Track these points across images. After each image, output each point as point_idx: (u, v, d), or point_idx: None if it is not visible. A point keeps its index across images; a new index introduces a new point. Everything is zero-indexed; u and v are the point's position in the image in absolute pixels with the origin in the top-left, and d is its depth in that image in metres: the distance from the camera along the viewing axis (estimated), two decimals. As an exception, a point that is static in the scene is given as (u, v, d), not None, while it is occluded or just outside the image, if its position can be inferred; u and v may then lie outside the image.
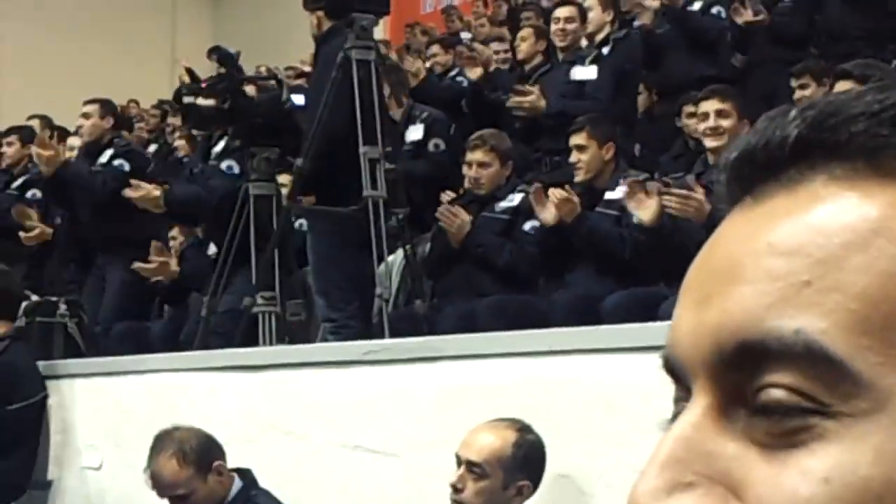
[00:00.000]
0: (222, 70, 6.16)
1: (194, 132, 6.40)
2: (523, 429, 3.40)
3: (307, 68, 9.20)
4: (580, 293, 5.22)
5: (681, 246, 4.73)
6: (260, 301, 5.72)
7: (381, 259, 5.30)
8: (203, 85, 6.20)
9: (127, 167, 7.11)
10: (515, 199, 5.74)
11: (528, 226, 5.62)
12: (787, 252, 0.53)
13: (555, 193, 5.31)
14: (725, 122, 5.18)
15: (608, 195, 5.47)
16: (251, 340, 5.69)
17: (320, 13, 5.65)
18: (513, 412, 3.50)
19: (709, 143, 5.28)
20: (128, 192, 6.43)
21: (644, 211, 4.95)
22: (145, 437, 4.07)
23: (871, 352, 0.50)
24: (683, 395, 0.56)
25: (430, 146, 7.13)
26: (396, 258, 5.83)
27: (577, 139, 5.61)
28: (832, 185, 0.54)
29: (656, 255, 4.98)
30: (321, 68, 5.67)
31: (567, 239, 5.34)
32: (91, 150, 7.40)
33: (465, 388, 3.97)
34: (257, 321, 5.73)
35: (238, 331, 5.75)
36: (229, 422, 4.58)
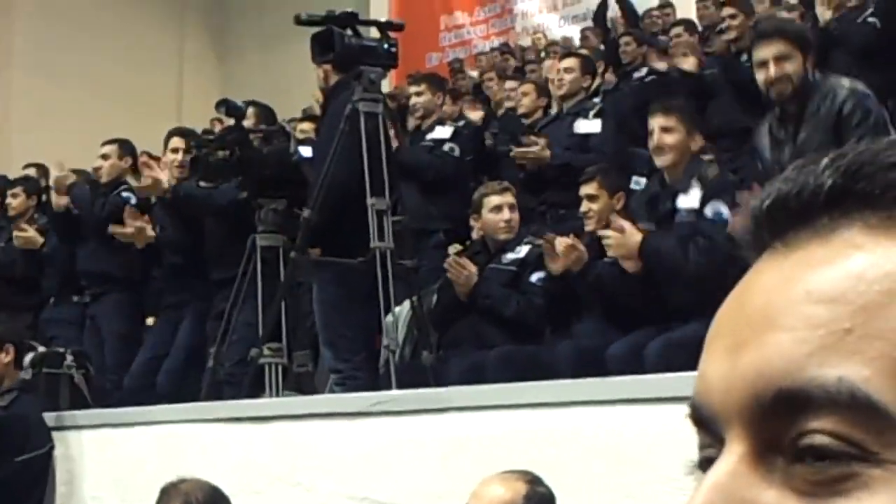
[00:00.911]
0: (230, 122, 6.20)
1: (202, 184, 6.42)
2: (533, 481, 3.39)
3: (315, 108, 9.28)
4: (585, 344, 5.21)
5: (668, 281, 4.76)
6: (266, 352, 5.72)
7: (388, 310, 5.31)
8: (212, 137, 6.24)
9: (133, 200, 7.15)
10: (522, 250, 5.76)
11: (534, 277, 5.64)
12: (826, 299, 0.53)
13: (562, 242, 5.32)
14: (669, 139, 5.09)
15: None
16: (258, 391, 5.69)
17: (328, 67, 5.68)
18: (521, 464, 3.49)
19: (657, 161, 5.22)
20: (115, 230, 6.54)
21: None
22: (152, 489, 4.05)
23: None
24: (711, 441, 0.56)
25: (446, 147, 7.10)
26: (403, 309, 5.83)
27: (587, 189, 5.62)
28: (868, 233, 0.54)
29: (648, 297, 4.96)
30: (329, 120, 5.71)
31: (573, 288, 5.35)
32: (110, 191, 7.45)
33: (472, 439, 3.96)
34: (263, 372, 5.73)
35: (245, 384, 5.75)
36: (237, 473, 4.57)
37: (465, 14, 14.41)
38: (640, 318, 5.08)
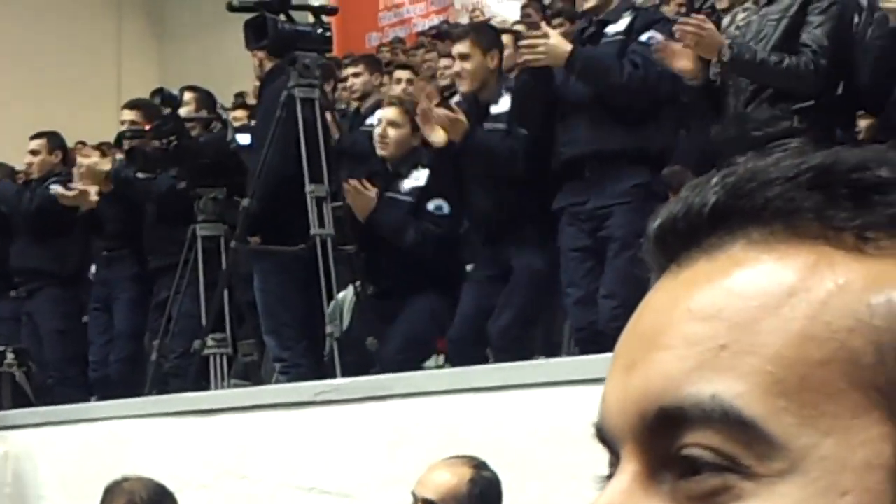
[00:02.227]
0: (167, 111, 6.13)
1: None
2: (479, 466, 3.39)
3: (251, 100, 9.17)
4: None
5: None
6: (210, 343, 5.69)
7: (330, 297, 5.29)
8: (147, 127, 6.18)
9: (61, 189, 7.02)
10: (421, 177, 5.66)
11: (431, 205, 5.55)
12: (705, 317, 0.54)
13: (439, 113, 5.23)
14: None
15: (494, 109, 5.37)
16: (204, 382, 5.66)
17: (262, 53, 5.64)
18: (466, 449, 3.49)
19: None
20: (57, 191, 6.47)
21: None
22: (97, 487, 4.01)
23: (787, 413, 0.51)
24: (615, 460, 0.57)
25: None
26: (347, 294, 5.81)
27: (460, 48, 5.43)
28: (750, 249, 0.55)
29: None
30: (266, 107, 5.67)
31: (458, 161, 5.32)
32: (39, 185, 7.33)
33: (417, 425, 3.96)
34: (208, 363, 5.70)
35: (190, 375, 5.71)
36: (183, 467, 4.54)
37: (404, -8, 14.35)
38: (526, 192, 5.16)
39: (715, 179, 0.57)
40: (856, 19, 4.64)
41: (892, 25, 4.38)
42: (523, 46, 5.00)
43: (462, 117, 5.23)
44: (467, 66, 5.36)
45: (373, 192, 5.48)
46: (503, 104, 5.34)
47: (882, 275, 0.53)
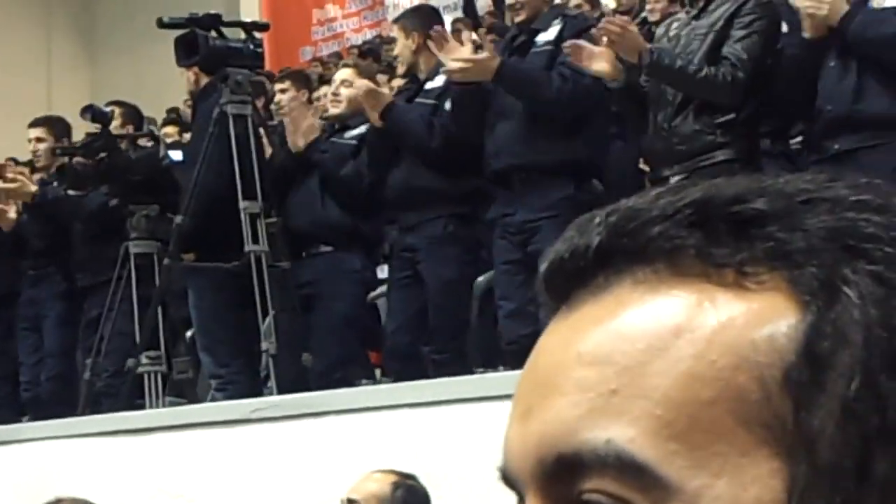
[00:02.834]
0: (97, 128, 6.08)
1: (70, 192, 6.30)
2: (406, 476, 3.45)
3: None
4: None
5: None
6: (145, 361, 5.64)
7: (265, 313, 5.27)
8: (78, 144, 6.12)
9: None
10: (364, 128, 5.75)
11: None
12: (594, 361, 0.54)
13: (360, 84, 5.49)
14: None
15: (428, 85, 5.52)
16: (137, 401, 5.61)
17: (195, 69, 5.62)
18: (402, 464, 3.50)
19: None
20: None
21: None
22: (29, 509, 3.98)
23: (679, 455, 0.51)
24: (521, 502, 0.57)
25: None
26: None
27: (395, 34, 5.75)
28: (635, 289, 0.55)
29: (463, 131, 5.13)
30: (199, 124, 5.65)
31: (387, 134, 5.43)
32: None
33: (352, 441, 3.95)
34: (143, 381, 5.66)
35: (124, 394, 5.66)
36: (117, 488, 4.50)
37: (337, 7, 14.31)
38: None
39: (598, 219, 0.57)
40: (783, 32, 4.68)
41: (806, 36, 4.43)
42: (453, 61, 5.02)
43: (384, 91, 5.50)
44: (396, 49, 5.74)
45: (317, 123, 5.60)
46: (438, 81, 5.45)
47: (763, 310, 0.53)
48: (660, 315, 0.54)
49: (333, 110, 5.93)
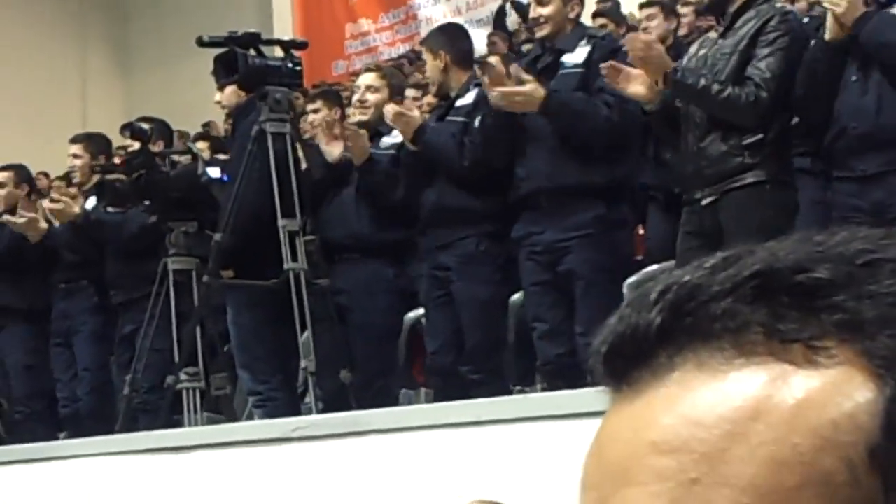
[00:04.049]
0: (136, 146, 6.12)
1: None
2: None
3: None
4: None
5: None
6: (183, 377, 5.66)
7: (303, 330, 5.27)
8: (117, 162, 6.16)
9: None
10: (398, 135, 5.75)
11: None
12: (670, 450, 0.53)
13: (388, 110, 5.48)
14: (545, 10, 5.19)
15: (459, 102, 5.52)
16: (175, 416, 5.63)
17: (233, 87, 5.64)
18: (448, 485, 3.48)
19: (536, 34, 5.38)
20: (7, 219, 6.45)
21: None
22: (70, 527, 3.98)
23: None
24: None
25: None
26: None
27: (424, 54, 5.80)
28: (702, 371, 0.54)
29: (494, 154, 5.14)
30: (238, 142, 5.66)
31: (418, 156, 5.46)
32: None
33: (395, 462, 3.94)
34: (181, 397, 5.67)
35: (163, 410, 5.68)
36: (156, 506, 4.50)
37: (370, 21, 14.37)
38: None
39: (655, 295, 0.56)
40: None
41: (826, 38, 4.39)
42: (501, 94, 4.98)
43: (414, 113, 5.51)
44: (427, 70, 5.75)
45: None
46: (469, 98, 5.47)
47: (839, 386, 0.51)
48: (733, 398, 0.52)
49: (361, 117, 5.93)
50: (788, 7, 4.72)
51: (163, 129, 7.33)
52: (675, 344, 0.55)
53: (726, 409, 0.52)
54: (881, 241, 0.55)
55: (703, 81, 4.41)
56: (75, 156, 6.99)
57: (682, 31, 7.03)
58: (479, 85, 5.49)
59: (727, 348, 0.53)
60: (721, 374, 0.53)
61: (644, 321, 0.55)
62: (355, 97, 6.00)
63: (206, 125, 10.98)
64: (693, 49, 4.83)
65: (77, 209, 6.60)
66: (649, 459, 0.53)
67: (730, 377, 0.53)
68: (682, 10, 7.44)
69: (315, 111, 7.00)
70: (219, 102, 6.15)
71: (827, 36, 4.38)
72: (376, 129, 5.90)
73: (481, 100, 5.35)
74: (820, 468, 0.50)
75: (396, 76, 6.19)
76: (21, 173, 7.44)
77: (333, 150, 5.73)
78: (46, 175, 12.66)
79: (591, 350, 0.59)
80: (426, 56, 5.65)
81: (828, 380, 0.52)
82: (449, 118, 5.48)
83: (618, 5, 10.01)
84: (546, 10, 5.13)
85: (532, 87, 4.91)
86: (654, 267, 5.42)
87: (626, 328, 0.56)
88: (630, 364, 0.56)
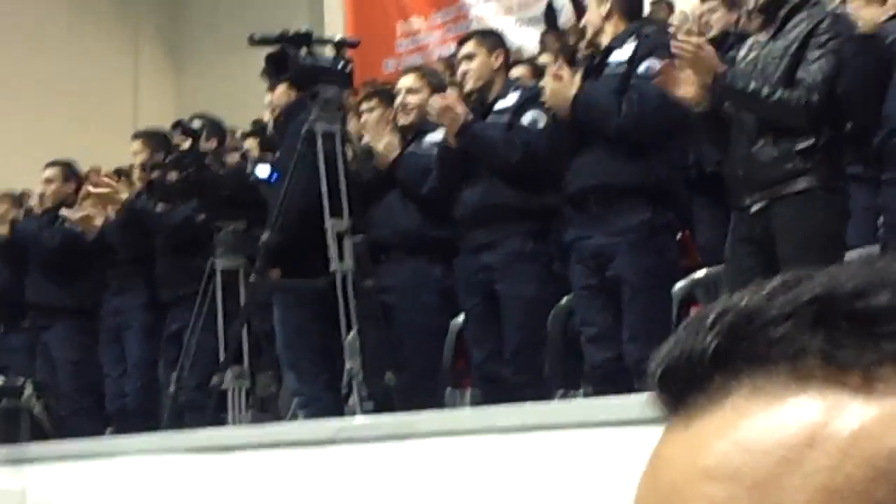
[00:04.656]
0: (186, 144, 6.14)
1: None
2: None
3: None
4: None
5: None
6: (229, 376, 5.67)
7: (349, 332, 5.27)
8: (168, 160, 6.19)
9: (78, 228, 7.04)
10: (439, 134, 5.75)
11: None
12: (723, 477, 0.52)
13: (434, 103, 5.44)
14: (413, 99, 5.23)
15: (500, 105, 5.50)
16: (221, 414, 5.65)
17: (284, 85, 5.65)
18: (489, 491, 3.47)
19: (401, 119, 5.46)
20: (64, 211, 6.50)
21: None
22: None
23: None
24: None
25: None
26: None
27: (465, 49, 5.66)
28: (757, 396, 0.53)
29: (553, 154, 5.11)
30: (287, 141, 5.67)
31: (462, 152, 5.42)
32: (53, 216, 7.34)
33: (439, 466, 3.93)
34: (227, 396, 5.69)
35: (209, 408, 5.70)
36: (201, 504, 4.52)
37: (422, 19, 14.34)
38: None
39: (711, 319, 0.55)
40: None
41: (860, 32, 4.32)
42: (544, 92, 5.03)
43: (459, 109, 5.38)
44: (472, 66, 5.57)
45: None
46: (510, 99, 5.46)
47: None
48: (788, 425, 0.52)
49: (403, 120, 5.93)
50: (840, 9, 4.65)
51: (215, 127, 7.36)
52: (731, 368, 0.54)
53: (781, 436, 0.52)
54: None
55: (753, 85, 4.37)
56: (135, 153, 7.02)
57: (713, 34, 6.93)
58: (518, 87, 5.47)
59: (783, 374, 0.53)
60: (776, 400, 0.53)
61: (700, 345, 0.55)
62: (397, 101, 5.98)
63: (257, 122, 11.01)
64: (742, 52, 4.78)
65: (124, 195, 6.64)
66: (702, 486, 0.52)
67: (785, 404, 0.52)
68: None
69: (370, 110, 7.01)
70: (270, 103, 6.16)
71: (861, 28, 4.32)
72: (420, 129, 5.90)
73: (526, 101, 5.33)
74: (873, 499, 0.50)
75: (436, 75, 6.16)
76: (69, 170, 7.49)
77: (387, 147, 5.71)
78: (98, 172, 12.78)
79: (647, 372, 0.59)
80: (477, 50, 5.58)
81: (885, 410, 0.51)
82: (490, 119, 5.46)
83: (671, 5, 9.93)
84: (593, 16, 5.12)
85: (560, 85, 4.91)
86: (703, 272, 5.38)
87: (682, 351, 0.56)
88: (685, 388, 0.56)
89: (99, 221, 6.82)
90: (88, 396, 7.16)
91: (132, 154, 7.11)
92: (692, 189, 5.41)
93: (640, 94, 4.85)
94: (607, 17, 5.16)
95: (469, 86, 5.59)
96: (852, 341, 0.52)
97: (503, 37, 5.95)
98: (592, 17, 5.20)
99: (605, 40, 5.16)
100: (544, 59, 7.21)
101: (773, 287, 0.55)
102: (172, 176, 6.01)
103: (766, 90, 4.34)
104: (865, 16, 4.41)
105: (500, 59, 5.58)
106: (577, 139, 5.07)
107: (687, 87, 4.47)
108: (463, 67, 5.62)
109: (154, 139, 6.97)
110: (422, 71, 6.10)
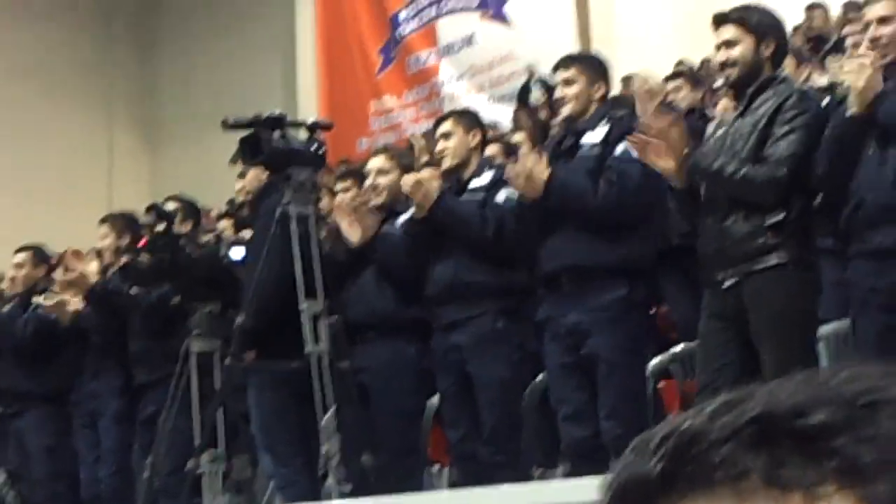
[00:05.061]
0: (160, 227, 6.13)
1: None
2: None
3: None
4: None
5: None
6: (204, 460, 5.63)
7: (325, 413, 5.25)
8: (142, 243, 6.18)
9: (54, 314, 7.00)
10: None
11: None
12: None
13: (407, 180, 5.47)
14: (570, 90, 5.18)
15: (474, 183, 5.53)
16: (196, 499, 5.60)
17: (255, 170, 5.67)
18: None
19: (562, 112, 5.34)
20: (38, 299, 6.47)
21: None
22: None
23: None
24: None
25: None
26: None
27: (443, 128, 5.70)
28: None
29: (522, 234, 5.13)
30: (261, 223, 5.68)
31: (433, 228, 5.44)
32: (24, 300, 7.31)
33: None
34: (202, 480, 5.64)
35: (183, 493, 5.64)
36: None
37: (394, 97, 14.47)
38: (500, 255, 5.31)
39: (656, 442, 0.56)
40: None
41: (850, 113, 4.37)
42: (510, 175, 5.07)
43: (434, 184, 5.45)
44: (450, 144, 5.62)
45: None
46: (484, 178, 5.50)
47: None
48: None
49: (375, 201, 5.96)
50: (806, 86, 4.72)
51: (190, 209, 7.37)
52: (677, 492, 0.54)
53: None
54: (882, 381, 0.54)
55: (718, 163, 4.41)
56: (103, 236, 7.03)
57: (685, 104, 7.02)
58: (493, 167, 5.52)
59: (727, 496, 0.53)
60: None
61: (645, 469, 0.56)
62: (367, 182, 6.03)
63: (232, 202, 11.04)
64: (710, 129, 4.84)
65: (93, 278, 6.63)
66: None
67: None
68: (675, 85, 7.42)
69: (345, 189, 7.04)
70: (242, 188, 6.19)
71: (849, 112, 4.37)
72: (391, 209, 5.94)
73: (500, 179, 5.37)
74: None
75: (406, 156, 6.22)
76: (39, 254, 7.47)
77: (354, 233, 5.74)
78: (76, 253, 12.73)
79: (600, 492, 0.59)
80: (454, 129, 5.62)
81: None
82: (465, 196, 5.50)
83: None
84: (572, 91, 5.16)
85: (537, 168, 4.95)
86: (678, 348, 5.40)
87: (629, 476, 0.56)
88: None
89: (73, 307, 6.80)
90: (62, 483, 7.07)
91: (100, 238, 7.12)
92: (660, 263, 5.44)
93: (620, 174, 4.88)
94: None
95: (446, 164, 5.63)
96: (794, 460, 0.52)
97: (479, 116, 6.01)
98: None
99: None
100: (517, 137, 7.27)
101: (715, 408, 0.56)
102: (146, 259, 6.00)
103: (731, 167, 4.39)
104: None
105: (478, 138, 5.64)
106: (548, 220, 5.10)
107: (668, 160, 4.52)
108: (441, 146, 5.68)
109: (121, 222, 6.99)
110: (390, 152, 6.15)
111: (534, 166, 4.96)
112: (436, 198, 5.40)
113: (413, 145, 9.45)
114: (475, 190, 5.50)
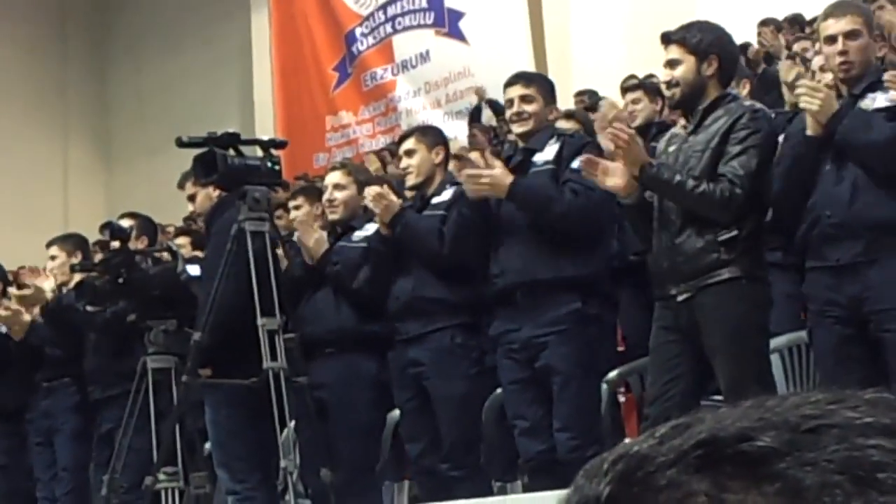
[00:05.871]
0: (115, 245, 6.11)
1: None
2: None
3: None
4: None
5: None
6: (162, 477, 5.61)
7: (283, 429, 5.25)
8: (97, 262, 6.16)
9: (3, 329, 6.97)
10: (370, 228, 5.78)
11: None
12: None
13: (370, 192, 5.49)
14: (529, 107, 5.21)
15: (435, 200, 5.55)
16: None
17: (206, 191, 5.69)
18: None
19: (515, 128, 5.34)
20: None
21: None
22: None
23: None
24: None
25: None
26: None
27: (406, 145, 5.72)
28: None
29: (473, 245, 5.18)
30: (215, 240, 5.67)
31: (394, 243, 5.46)
32: None
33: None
34: (160, 497, 5.62)
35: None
36: None
37: (350, 114, 14.48)
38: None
39: (606, 465, 0.57)
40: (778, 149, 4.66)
41: (808, 134, 4.43)
42: (467, 176, 5.09)
43: (393, 197, 5.46)
44: (413, 161, 5.62)
45: (324, 234, 5.64)
46: (445, 195, 5.52)
47: None
48: None
49: (332, 216, 5.99)
50: (758, 105, 4.77)
51: (146, 226, 7.34)
52: None
53: None
54: (828, 407, 0.56)
55: (678, 177, 4.46)
56: (52, 257, 7.02)
57: (637, 123, 7.08)
58: (455, 184, 5.55)
59: None
60: None
61: (595, 492, 0.56)
62: (325, 197, 6.05)
63: (188, 219, 10.99)
64: (662, 145, 4.88)
65: (48, 295, 6.60)
66: None
67: None
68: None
69: (297, 207, 7.03)
70: (192, 212, 6.21)
71: (808, 132, 4.44)
72: (348, 224, 5.95)
73: (459, 196, 5.40)
74: None
75: (363, 171, 6.24)
76: None
77: (316, 245, 5.76)
78: (35, 269, 12.64)
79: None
80: (418, 146, 5.64)
81: None
82: (426, 213, 5.53)
83: (596, 95, 10.14)
84: (531, 108, 5.21)
85: (500, 171, 4.98)
86: (635, 363, 5.44)
87: (580, 498, 0.57)
88: None
89: (27, 318, 6.77)
90: (18, 502, 7.02)
91: (48, 260, 7.12)
92: (615, 278, 5.48)
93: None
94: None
95: (410, 181, 5.65)
96: (737, 484, 0.53)
97: (443, 133, 6.02)
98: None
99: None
100: (473, 155, 7.31)
101: (664, 431, 0.57)
102: (101, 276, 5.97)
103: (690, 182, 4.43)
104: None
105: (441, 155, 5.66)
106: (501, 233, 5.12)
107: (616, 179, 4.55)
108: (404, 163, 5.69)
109: (70, 241, 6.98)
110: (347, 167, 6.17)
111: (500, 170, 4.99)
112: (396, 211, 5.43)
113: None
114: (436, 206, 5.53)
